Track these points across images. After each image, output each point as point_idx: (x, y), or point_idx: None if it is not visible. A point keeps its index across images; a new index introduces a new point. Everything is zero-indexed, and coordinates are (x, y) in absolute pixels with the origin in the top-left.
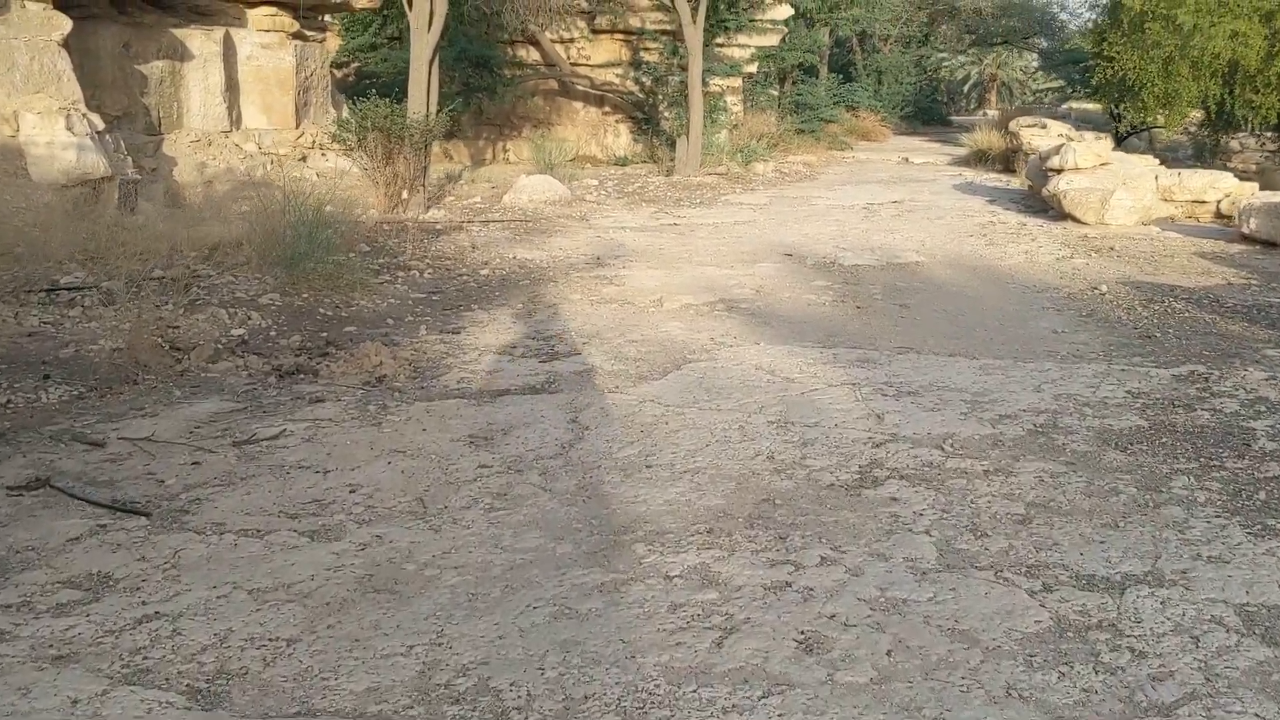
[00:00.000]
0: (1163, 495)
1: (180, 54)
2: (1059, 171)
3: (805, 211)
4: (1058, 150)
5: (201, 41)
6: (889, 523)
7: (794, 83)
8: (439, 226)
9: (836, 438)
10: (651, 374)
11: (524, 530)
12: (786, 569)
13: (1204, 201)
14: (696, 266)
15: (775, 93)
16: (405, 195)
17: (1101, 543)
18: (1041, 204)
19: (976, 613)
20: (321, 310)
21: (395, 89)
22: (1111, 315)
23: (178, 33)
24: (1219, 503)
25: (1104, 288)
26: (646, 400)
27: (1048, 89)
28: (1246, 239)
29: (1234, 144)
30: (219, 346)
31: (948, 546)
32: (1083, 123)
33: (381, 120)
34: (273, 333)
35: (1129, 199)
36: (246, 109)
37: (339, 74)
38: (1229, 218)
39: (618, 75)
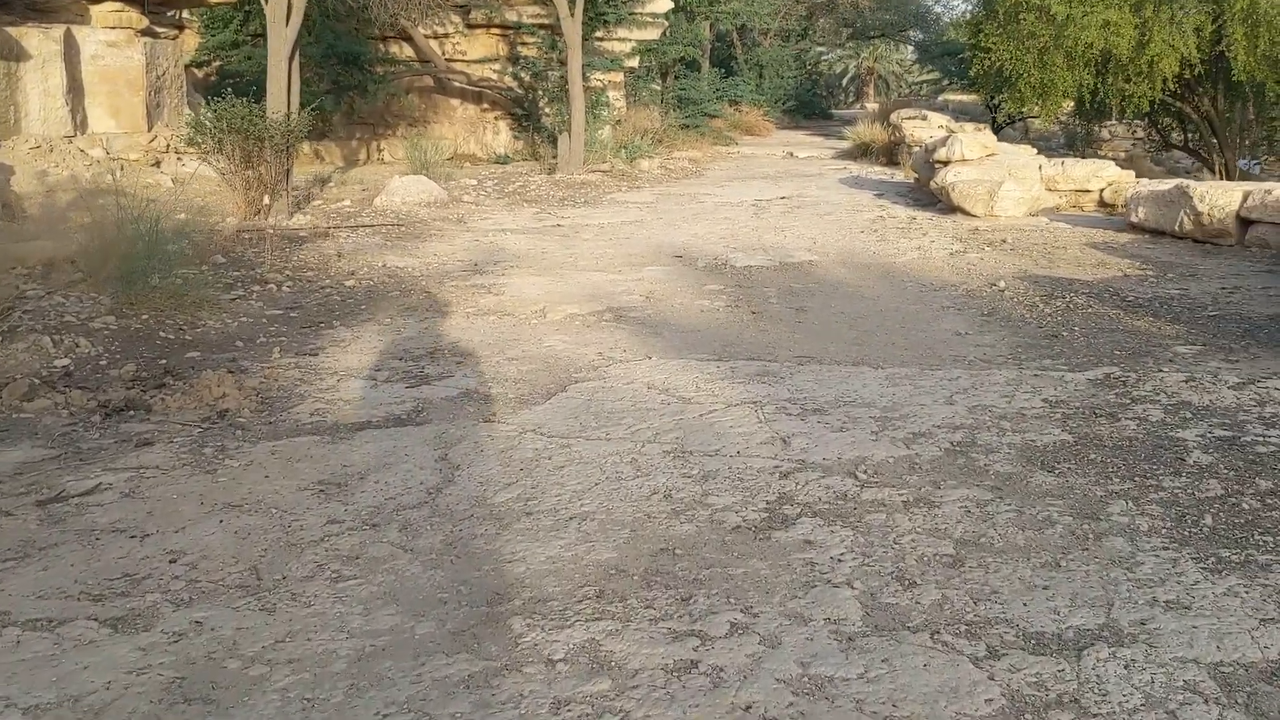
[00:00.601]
0: (1102, 524)
1: (15, 54)
2: (946, 163)
3: (694, 210)
4: (944, 142)
5: (39, 40)
6: (805, 573)
7: (676, 77)
8: (303, 234)
9: (740, 468)
10: (534, 397)
11: (377, 606)
12: (691, 642)
13: (1087, 190)
14: (582, 272)
15: (658, 87)
16: (267, 201)
17: (1045, 588)
18: (929, 197)
19: (917, 692)
20: (163, 333)
21: (256, 88)
22: (1014, 314)
23: (12, 31)
24: (1164, 531)
25: (1002, 284)
26: (527, 430)
27: (924, 81)
28: (1135, 228)
29: (1104, 133)
30: (37, 381)
31: (874, 602)
32: (960, 114)
33: (238, 121)
34: (103, 362)
35: (1017, 190)
36: (93, 112)
37: (200, 73)
38: (1112, 206)
39: (495, 71)
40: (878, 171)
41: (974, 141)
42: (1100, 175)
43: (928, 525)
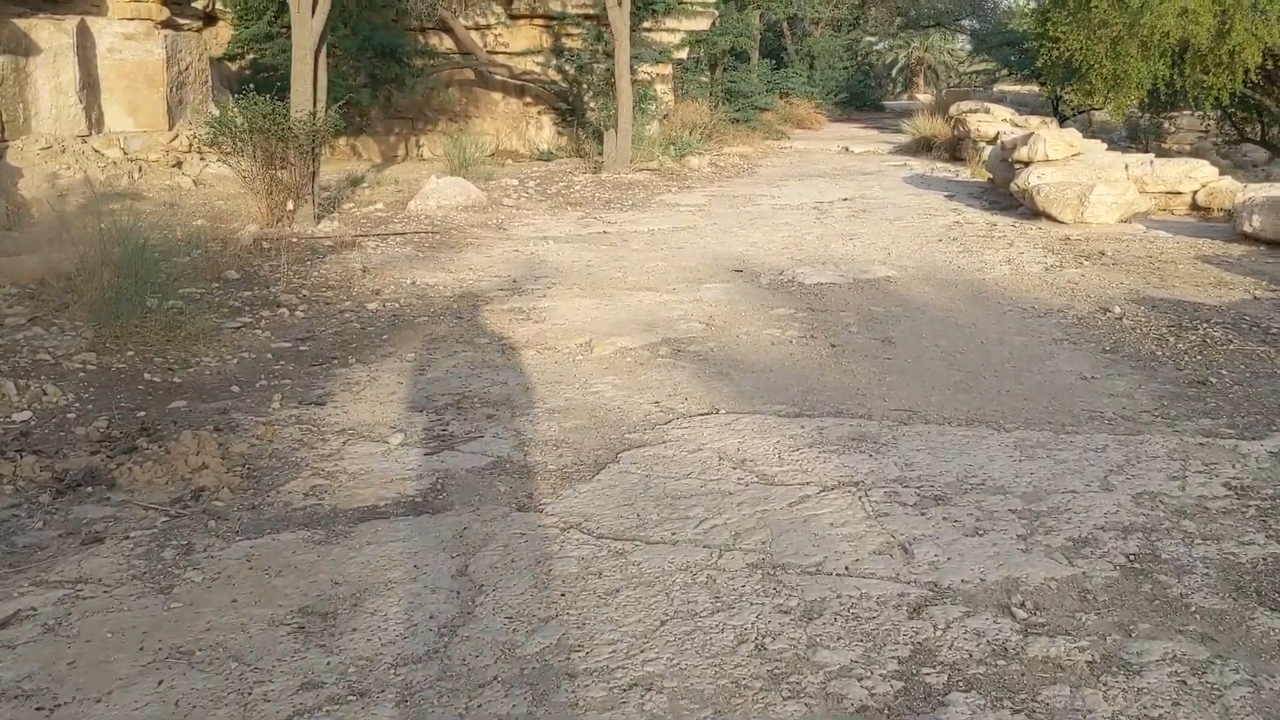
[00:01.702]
0: None
1: (24, 48)
2: (1027, 164)
3: (750, 213)
4: (1025, 140)
5: (50, 32)
6: None
7: (725, 69)
8: (328, 243)
9: (852, 597)
10: (579, 470)
11: None
12: None
13: (1179, 193)
14: (632, 291)
15: (706, 80)
16: (290, 206)
17: None
18: (1007, 199)
19: None
20: (148, 374)
21: (284, 84)
22: (1142, 349)
23: (20, 23)
24: None
25: (1117, 309)
26: (571, 526)
27: (976, 71)
28: (1248, 238)
29: (1168, 125)
30: None
31: None
32: (1019, 105)
33: (259, 120)
34: (71, 414)
35: (1110, 195)
36: (109, 109)
37: (234, 67)
38: (1206, 209)
39: (539, 64)
40: (942, 169)
41: (1059, 140)
42: (1193, 176)
43: (1135, 711)
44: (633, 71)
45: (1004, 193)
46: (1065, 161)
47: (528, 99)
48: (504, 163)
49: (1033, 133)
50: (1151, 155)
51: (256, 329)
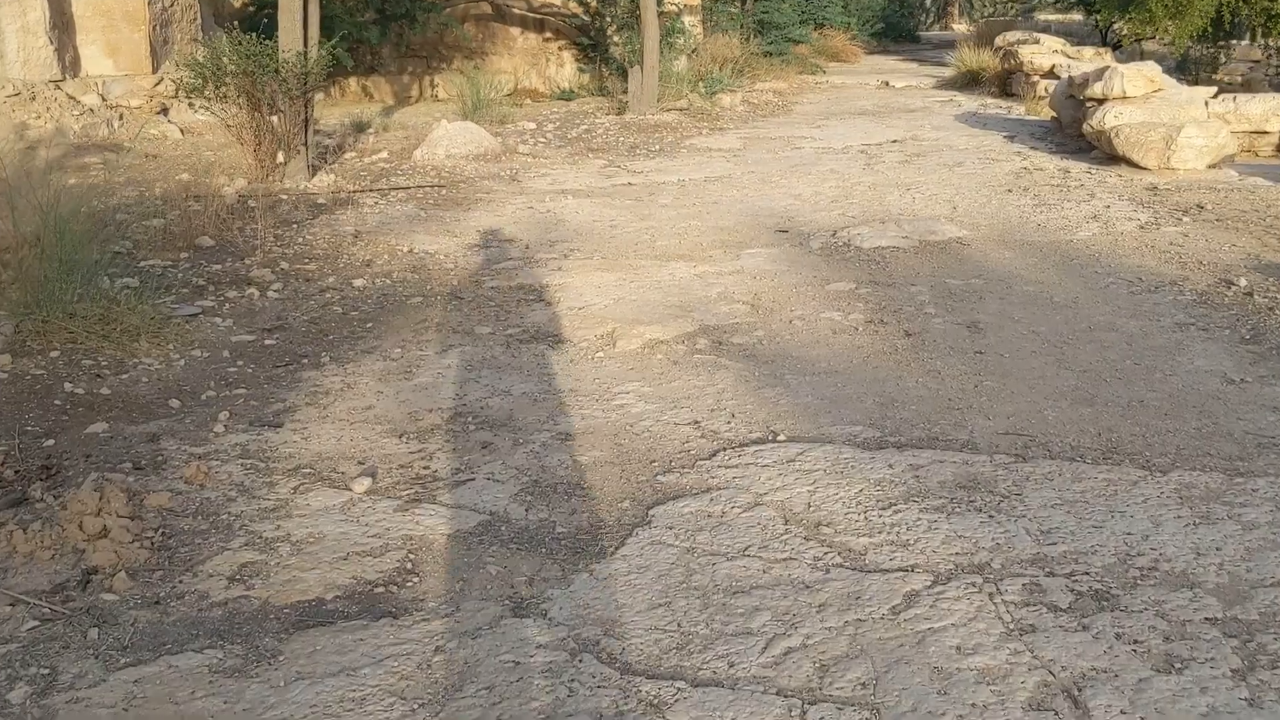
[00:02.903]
0: None
1: None
2: (1100, 101)
3: (790, 159)
4: (1100, 75)
5: None
6: None
7: (756, 0)
8: (321, 200)
9: None
10: (597, 538)
11: None
12: None
13: (1264, 132)
14: (662, 261)
15: (737, 11)
16: (281, 158)
17: None
18: (1076, 141)
19: None
20: (70, 384)
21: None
22: None
23: None
24: None
25: (1242, 280)
26: (585, 646)
27: (1012, 1)
28: None
29: (1222, 56)
30: None
31: None
32: (1066, 35)
33: (243, 61)
34: None
35: (1200, 137)
36: (85, 51)
37: (237, 3)
38: None
39: None
40: (994, 105)
41: (1137, 75)
42: None
43: None
44: (660, 3)
45: (1072, 134)
46: (1145, 99)
47: (547, 34)
48: (522, 103)
49: (1108, 66)
50: (1234, 93)
51: (217, 316)
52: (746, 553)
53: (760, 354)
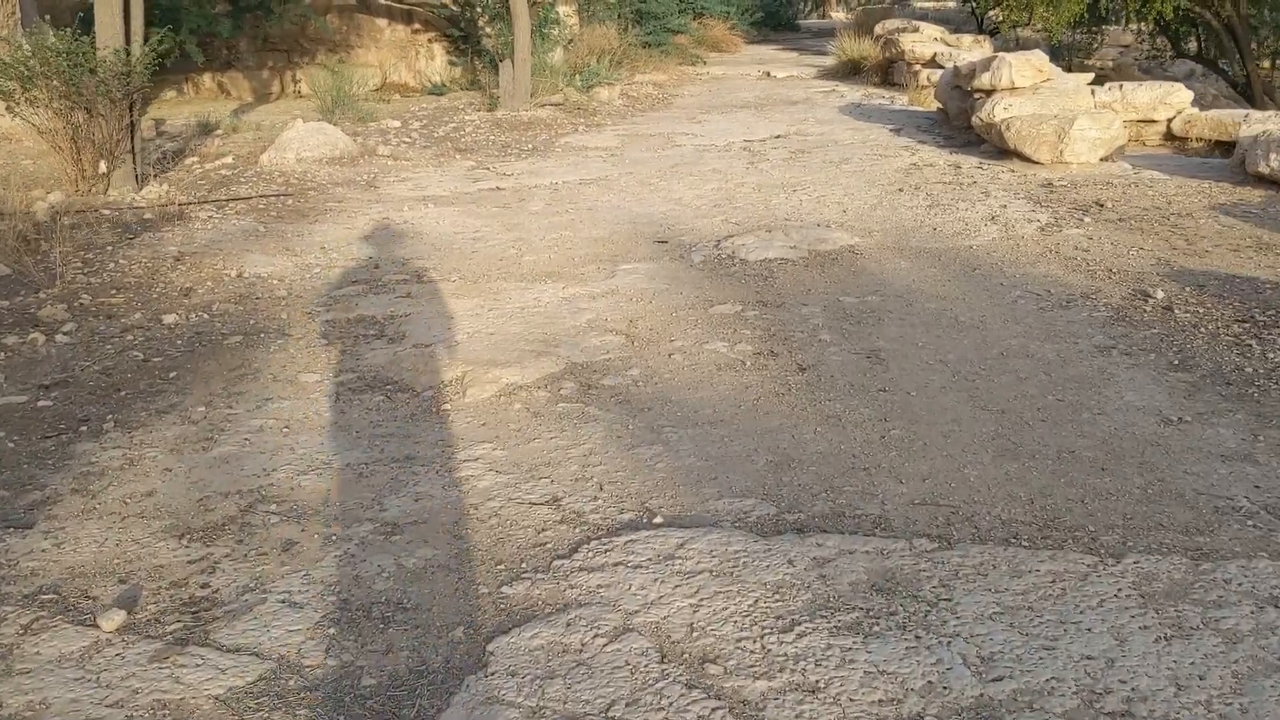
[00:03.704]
0: None
1: None
2: (989, 92)
3: (670, 158)
4: (988, 65)
5: None
6: None
7: None
8: (148, 215)
9: None
10: (416, 691)
11: None
12: None
13: (1152, 121)
14: (527, 282)
15: (614, 1)
16: (103, 168)
17: None
18: (964, 134)
19: None
20: None
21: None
22: (1223, 361)
23: None
24: None
25: (1159, 292)
26: None
27: None
28: (1264, 180)
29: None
30: None
31: None
32: (941, 22)
33: (52, 60)
34: None
35: (1093, 129)
36: None
37: None
38: (1183, 140)
39: None
40: (877, 95)
41: (1025, 65)
42: (1168, 102)
43: None
44: None
45: (960, 126)
46: (1034, 89)
47: (416, 26)
48: (390, 98)
49: (995, 56)
50: (1120, 82)
51: None
52: (611, 713)
53: (635, 399)
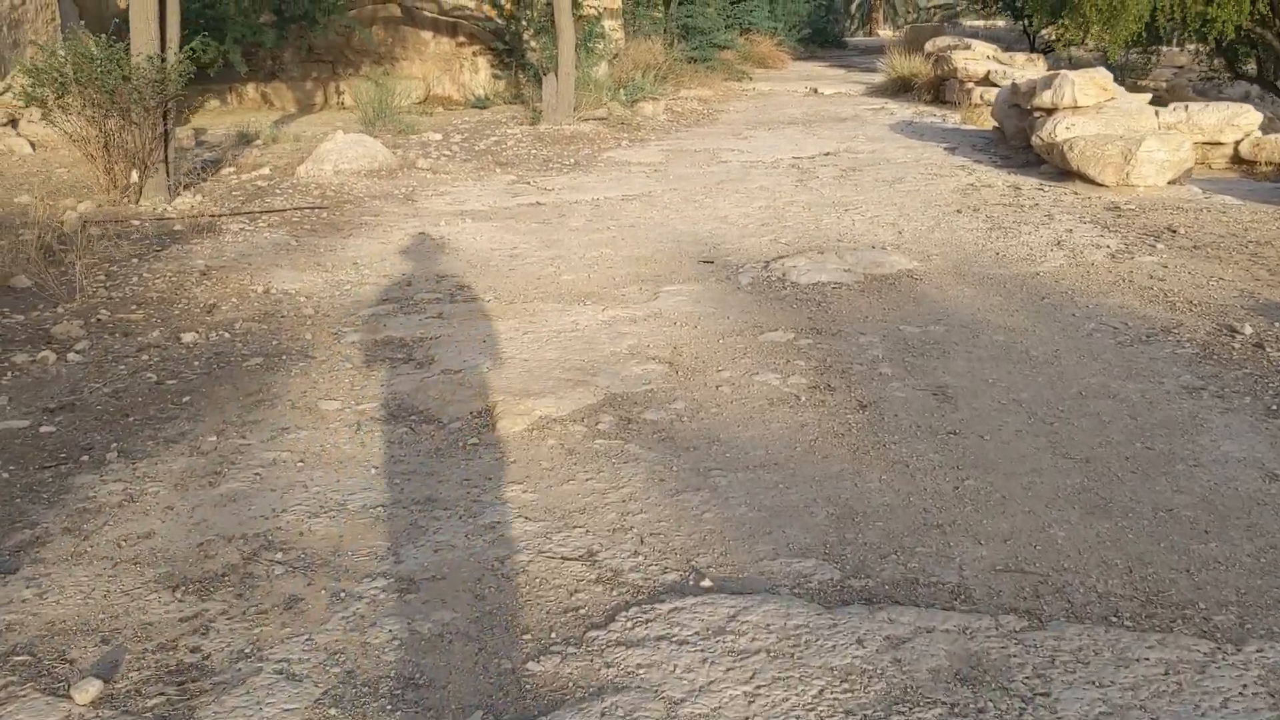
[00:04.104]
0: None
1: None
2: (1050, 111)
3: (716, 174)
4: (1049, 83)
5: None
6: None
7: (681, 3)
8: (178, 227)
9: None
10: None
11: None
12: None
13: (1218, 143)
14: (565, 304)
15: (660, 15)
16: (135, 177)
17: None
18: (1023, 154)
19: None
20: None
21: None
22: None
23: None
24: None
25: (1247, 327)
26: None
27: (935, 6)
28: None
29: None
30: None
31: None
32: (993, 40)
33: (88, 67)
34: None
35: (1161, 151)
36: None
37: (121, 2)
38: (1250, 163)
39: None
40: (928, 113)
41: (1089, 83)
42: (1236, 124)
43: None
44: (578, 6)
45: (1018, 145)
46: (1097, 108)
47: (461, 38)
48: (433, 111)
49: (1058, 73)
50: (1186, 103)
51: None
52: None
53: (680, 436)
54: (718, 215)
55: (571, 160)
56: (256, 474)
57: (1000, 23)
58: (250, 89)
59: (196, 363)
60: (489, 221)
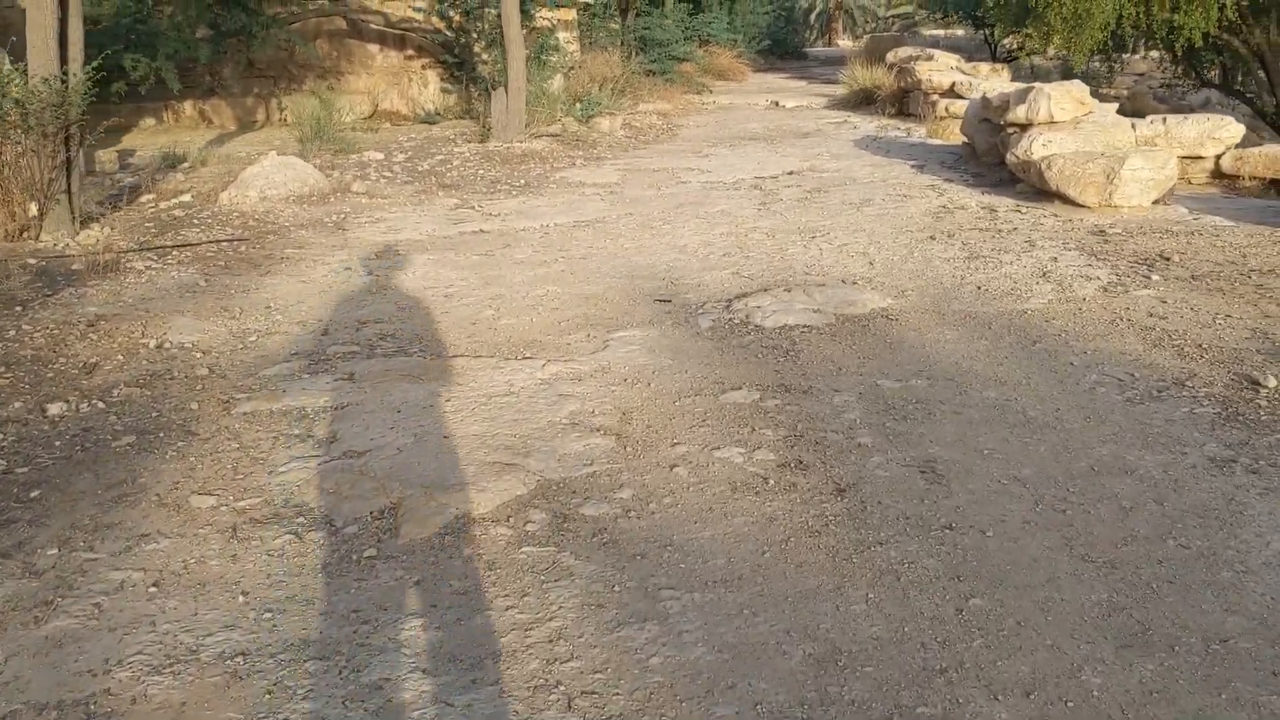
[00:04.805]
0: None
1: None
2: (1024, 127)
3: (675, 196)
4: (1023, 97)
5: None
6: None
7: (638, 14)
8: (76, 266)
9: None
10: None
11: None
12: None
13: (1199, 157)
14: (500, 358)
15: (617, 26)
16: (35, 210)
17: None
18: (995, 172)
19: None
20: None
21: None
22: None
23: None
24: None
25: (1269, 379)
26: None
27: (894, 16)
28: None
29: (1100, 68)
30: None
31: None
32: (953, 49)
33: None
34: None
35: (1146, 169)
36: None
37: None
38: (1234, 177)
39: (420, 10)
40: (893, 127)
41: (1065, 97)
42: (1217, 137)
43: None
44: (529, 18)
45: (990, 162)
46: (1075, 123)
47: (409, 51)
48: (379, 127)
49: (1031, 86)
50: (1163, 115)
51: None
52: None
53: (625, 539)
54: (676, 244)
55: (521, 181)
56: (96, 604)
57: (960, 31)
58: (188, 106)
59: (58, 442)
60: (426, 254)
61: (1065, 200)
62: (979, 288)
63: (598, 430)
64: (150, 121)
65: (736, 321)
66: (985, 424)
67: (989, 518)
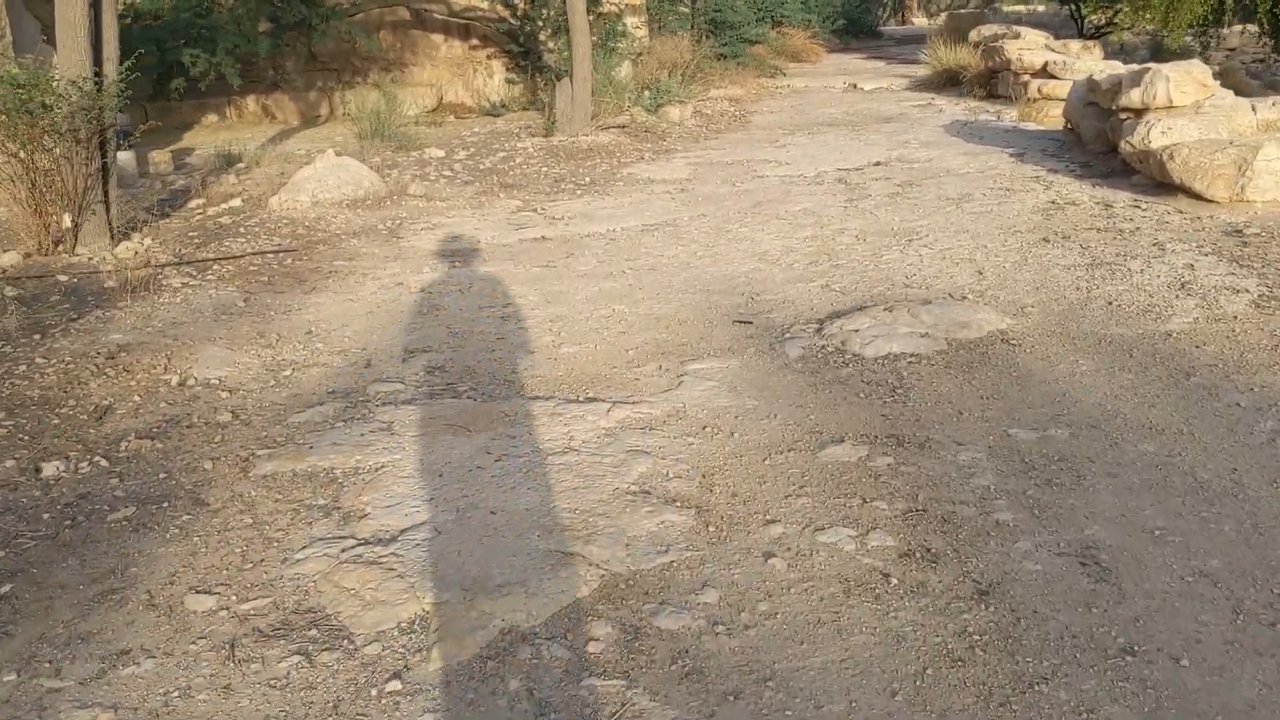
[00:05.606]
0: None
1: None
2: (1139, 112)
3: (751, 193)
4: (1138, 79)
5: None
6: None
7: None
8: (109, 283)
9: None
10: None
11: None
12: None
13: None
14: (558, 401)
15: (687, 10)
16: (68, 222)
17: None
18: (1103, 160)
19: None
20: None
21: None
22: None
23: None
24: None
25: None
26: None
27: None
28: None
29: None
30: None
31: None
32: (1038, 25)
33: (10, 95)
34: None
35: None
36: None
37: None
38: None
39: None
40: (982, 110)
41: (1185, 79)
42: None
43: None
44: (596, 3)
45: (1098, 151)
46: (1195, 108)
47: (473, 41)
48: (443, 120)
49: (1148, 68)
50: (1260, 91)
51: None
52: None
53: (712, 667)
54: (755, 251)
55: (586, 179)
56: None
57: (1041, 7)
58: (250, 102)
59: (47, 515)
60: (483, 265)
61: (1190, 194)
62: (1109, 303)
63: (673, 502)
64: (213, 118)
65: (831, 349)
66: (1148, 491)
67: (1179, 636)
